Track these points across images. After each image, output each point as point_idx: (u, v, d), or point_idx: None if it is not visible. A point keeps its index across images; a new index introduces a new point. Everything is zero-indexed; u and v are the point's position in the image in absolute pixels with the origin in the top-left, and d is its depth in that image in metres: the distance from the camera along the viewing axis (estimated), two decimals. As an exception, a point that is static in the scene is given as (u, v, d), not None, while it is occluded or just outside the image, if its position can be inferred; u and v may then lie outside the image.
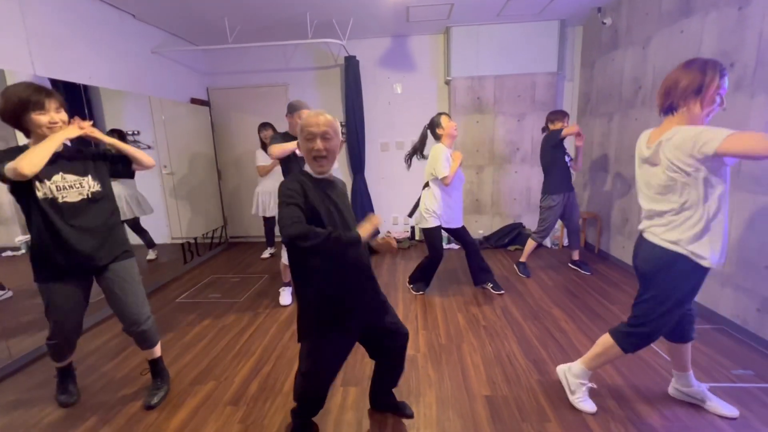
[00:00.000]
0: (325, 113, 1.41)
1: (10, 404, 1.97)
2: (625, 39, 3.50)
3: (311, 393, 1.58)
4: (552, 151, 3.33)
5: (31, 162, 1.52)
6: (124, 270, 1.85)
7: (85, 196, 1.72)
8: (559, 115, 3.37)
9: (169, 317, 2.94)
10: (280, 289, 3.18)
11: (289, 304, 3.07)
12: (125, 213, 3.20)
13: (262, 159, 4.11)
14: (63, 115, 1.64)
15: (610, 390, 1.92)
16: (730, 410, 1.71)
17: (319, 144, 1.37)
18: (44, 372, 2.23)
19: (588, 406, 1.79)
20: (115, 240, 1.84)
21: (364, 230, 1.37)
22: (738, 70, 2.33)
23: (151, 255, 3.65)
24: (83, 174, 1.72)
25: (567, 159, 3.36)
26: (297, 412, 1.66)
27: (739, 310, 2.38)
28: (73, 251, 1.70)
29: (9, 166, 1.51)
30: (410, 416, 1.77)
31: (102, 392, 2.05)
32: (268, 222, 4.37)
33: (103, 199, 1.79)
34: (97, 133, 1.74)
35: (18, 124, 1.59)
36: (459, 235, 3.08)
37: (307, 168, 1.46)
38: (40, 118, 1.57)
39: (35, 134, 1.61)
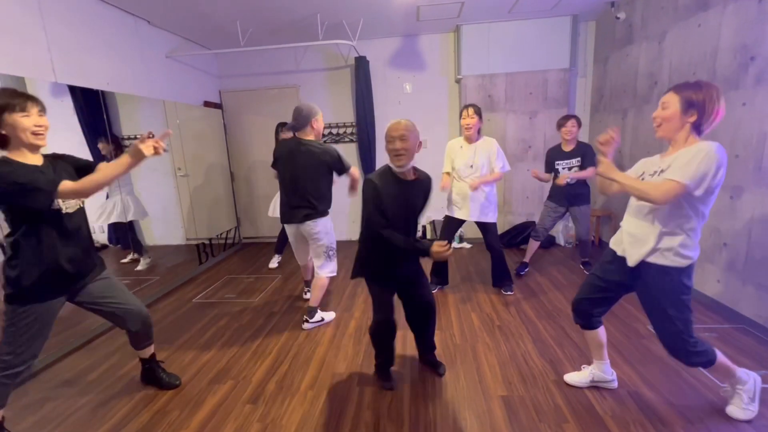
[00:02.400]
0: (403, 120, 1.75)
1: (38, 402, 2.03)
2: (640, 34, 3.44)
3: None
4: None
5: (103, 182, 1.49)
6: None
7: (81, 204, 1.64)
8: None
9: (186, 317, 3.00)
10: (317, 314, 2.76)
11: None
12: (126, 216, 3.21)
13: None
14: (46, 120, 1.53)
15: (629, 392, 1.90)
16: (745, 414, 1.67)
17: (397, 144, 1.71)
18: (69, 370, 2.31)
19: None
20: (93, 251, 1.80)
21: (435, 253, 1.70)
22: (759, 64, 2.28)
23: (143, 264, 3.46)
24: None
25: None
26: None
27: (762, 310, 2.33)
28: (71, 265, 1.65)
29: (69, 188, 1.47)
30: (440, 374, 2.11)
31: (126, 389, 2.10)
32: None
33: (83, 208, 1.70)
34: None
35: None
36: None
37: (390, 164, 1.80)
38: (24, 122, 1.46)
39: (16, 140, 1.49)
